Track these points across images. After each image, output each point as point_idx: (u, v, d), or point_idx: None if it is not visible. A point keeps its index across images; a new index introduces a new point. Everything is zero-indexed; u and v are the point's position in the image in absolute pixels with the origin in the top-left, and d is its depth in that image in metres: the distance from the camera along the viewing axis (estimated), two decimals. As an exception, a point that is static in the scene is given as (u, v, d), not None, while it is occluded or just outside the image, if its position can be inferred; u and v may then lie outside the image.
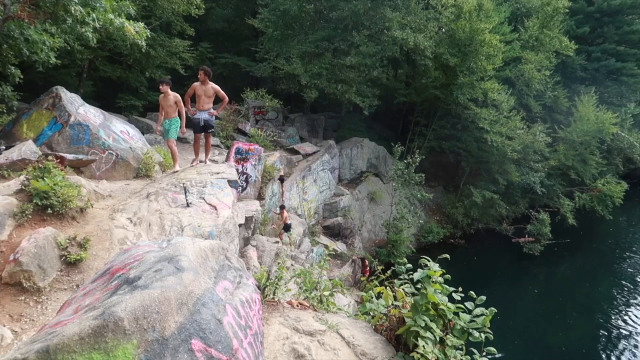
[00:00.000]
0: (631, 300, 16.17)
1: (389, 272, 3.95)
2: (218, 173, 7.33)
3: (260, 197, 12.57)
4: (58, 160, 5.86)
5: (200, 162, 8.13)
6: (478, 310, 3.07)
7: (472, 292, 3.16)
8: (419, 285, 3.21)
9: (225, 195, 6.56)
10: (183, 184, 6.40)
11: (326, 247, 12.20)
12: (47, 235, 4.48)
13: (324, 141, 19.46)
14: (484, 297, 3.12)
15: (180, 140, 15.92)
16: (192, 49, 18.09)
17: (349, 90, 17.30)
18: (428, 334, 2.89)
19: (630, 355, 12.50)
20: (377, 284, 3.94)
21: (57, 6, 6.60)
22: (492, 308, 3.07)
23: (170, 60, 16.82)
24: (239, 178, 11.06)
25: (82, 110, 8.12)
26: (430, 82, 18.46)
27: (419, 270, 3.20)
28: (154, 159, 8.73)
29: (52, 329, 1.79)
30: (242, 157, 11.92)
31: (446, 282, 3.24)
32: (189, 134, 16.16)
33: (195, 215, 5.76)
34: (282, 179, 12.77)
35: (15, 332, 3.67)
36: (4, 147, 6.80)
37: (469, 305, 3.15)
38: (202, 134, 7.72)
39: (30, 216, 4.85)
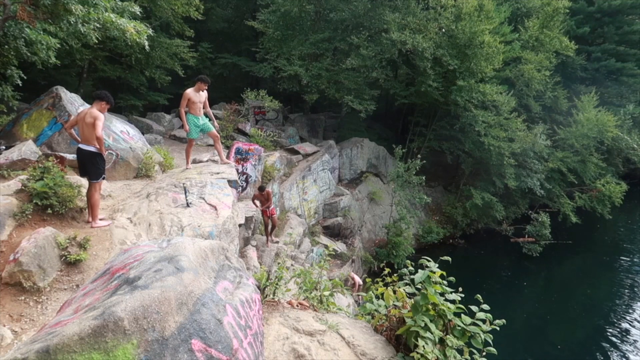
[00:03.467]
0: (631, 300, 16.17)
1: (394, 275, 3.95)
2: (218, 173, 7.33)
3: (260, 197, 12.55)
4: (58, 160, 5.86)
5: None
6: (482, 315, 3.08)
7: (478, 295, 3.16)
8: (419, 286, 3.22)
9: (225, 195, 6.56)
10: (183, 184, 6.40)
11: (326, 247, 12.21)
12: (47, 235, 4.48)
13: (324, 141, 19.46)
14: (488, 307, 3.12)
15: (181, 140, 15.96)
16: (193, 50, 18.10)
17: (347, 96, 17.37)
18: (428, 334, 2.90)
19: (630, 355, 12.50)
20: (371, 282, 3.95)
21: (56, 5, 6.60)
22: (503, 320, 3.08)
23: (170, 61, 16.82)
24: (239, 178, 11.05)
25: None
26: (429, 90, 18.38)
27: (419, 271, 3.20)
28: (154, 159, 8.73)
29: (52, 329, 1.79)
30: (242, 157, 11.92)
31: (449, 284, 3.24)
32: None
33: (195, 215, 5.76)
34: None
35: (15, 332, 3.66)
36: (4, 147, 6.81)
37: (474, 309, 3.16)
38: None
39: (30, 216, 4.85)
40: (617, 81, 26.88)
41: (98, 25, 7.36)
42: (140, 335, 1.69)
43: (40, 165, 5.33)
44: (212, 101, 21.47)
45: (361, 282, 12.44)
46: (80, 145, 5.22)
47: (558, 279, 18.68)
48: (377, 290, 3.79)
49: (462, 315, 3.13)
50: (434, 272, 3.19)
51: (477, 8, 17.78)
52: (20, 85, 8.08)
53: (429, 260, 3.32)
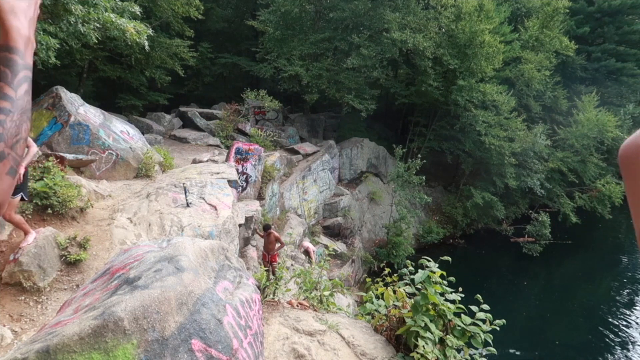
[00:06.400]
0: (631, 300, 16.17)
1: (394, 275, 3.95)
2: (218, 173, 7.33)
3: (260, 197, 12.57)
4: (58, 160, 5.87)
5: None
6: (482, 315, 3.08)
7: (478, 295, 3.16)
8: (419, 286, 3.22)
9: (225, 195, 6.56)
10: (183, 184, 6.40)
11: (326, 247, 12.22)
12: (47, 235, 4.48)
13: (324, 141, 19.45)
14: (488, 307, 3.13)
15: (180, 140, 15.95)
16: (193, 50, 18.10)
17: (348, 95, 17.38)
18: (428, 334, 2.90)
19: (630, 355, 12.49)
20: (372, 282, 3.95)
21: (56, 6, 6.60)
22: (503, 320, 3.08)
23: (170, 61, 16.82)
24: (239, 178, 11.04)
25: (82, 110, 8.12)
26: (430, 89, 18.36)
27: (419, 271, 3.20)
28: (154, 159, 8.74)
29: (52, 329, 1.79)
30: (242, 157, 11.91)
31: (449, 284, 3.24)
32: (189, 134, 16.21)
33: (195, 215, 5.76)
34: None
35: (15, 332, 3.66)
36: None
37: (474, 309, 3.16)
38: None
39: (30, 216, 4.85)
40: (617, 81, 26.86)
41: (98, 25, 7.36)
42: (140, 335, 1.69)
43: (40, 165, 5.33)
44: (212, 101, 21.60)
45: (315, 249, 12.94)
46: None
47: (558, 279, 18.68)
48: (377, 290, 3.80)
49: (462, 315, 3.13)
50: (434, 272, 3.19)
51: (477, 8, 17.79)
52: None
53: (429, 260, 3.32)
